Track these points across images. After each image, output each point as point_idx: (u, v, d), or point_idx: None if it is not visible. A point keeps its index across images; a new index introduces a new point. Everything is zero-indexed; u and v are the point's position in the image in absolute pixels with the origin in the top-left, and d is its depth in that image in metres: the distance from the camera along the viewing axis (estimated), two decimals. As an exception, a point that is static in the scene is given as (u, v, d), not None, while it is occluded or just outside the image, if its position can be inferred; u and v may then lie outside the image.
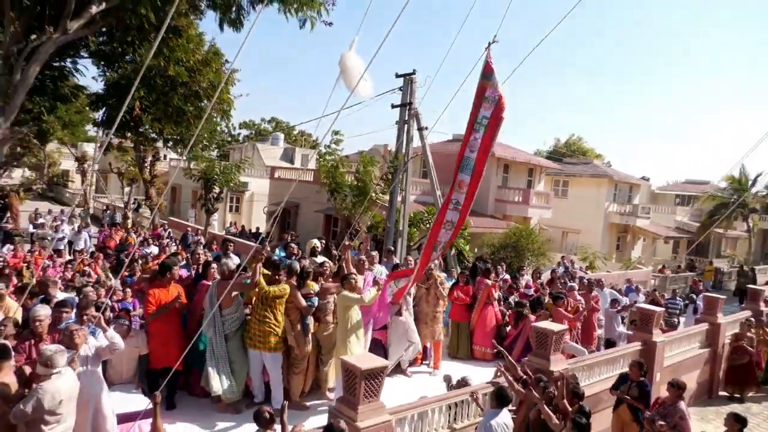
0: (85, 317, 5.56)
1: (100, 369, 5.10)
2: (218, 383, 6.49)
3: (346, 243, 8.41)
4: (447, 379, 7.31)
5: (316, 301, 7.06)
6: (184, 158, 20.81)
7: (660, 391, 8.62)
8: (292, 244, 10.37)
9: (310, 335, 6.98)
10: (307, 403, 7.04)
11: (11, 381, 4.36)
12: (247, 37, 4.53)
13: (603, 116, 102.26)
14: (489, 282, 10.04)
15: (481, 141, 7.17)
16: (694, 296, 14.63)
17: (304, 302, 6.84)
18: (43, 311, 5.35)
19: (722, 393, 10.76)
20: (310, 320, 7.00)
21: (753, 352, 10.45)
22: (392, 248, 12.52)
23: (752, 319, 11.22)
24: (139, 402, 5.51)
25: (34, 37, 10.79)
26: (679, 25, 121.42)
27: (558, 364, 6.87)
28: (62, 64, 14.54)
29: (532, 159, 27.87)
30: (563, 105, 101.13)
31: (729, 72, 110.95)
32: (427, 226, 17.38)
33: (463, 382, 6.67)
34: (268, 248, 8.44)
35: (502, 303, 10.57)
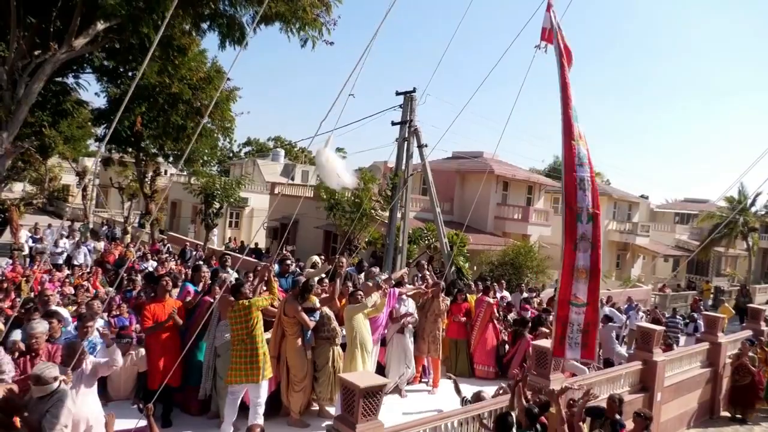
0: (85, 330, 5.53)
1: (95, 387, 5.02)
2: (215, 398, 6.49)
3: (342, 261, 8.41)
4: (455, 381, 7.24)
5: (318, 315, 7.04)
6: (184, 173, 20.88)
7: (661, 411, 8.55)
8: (288, 261, 10.35)
9: (309, 351, 6.93)
10: (309, 422, 6.96)
11: None
12: (239, 52, 4.57)
13: (602, 134, 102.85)
14: (491, 300, 10.01)
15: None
16: (695, 315, 14.58)
17: (307, 318, 6.78)
18: (41, 327, 5.23)
19: (724, 413, 10.66)
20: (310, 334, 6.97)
21: (755, 371, 10.38)
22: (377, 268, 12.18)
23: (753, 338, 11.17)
24: (136, 419, 5.45)
25: (38, 53, 10.91)
26: (682, 44, 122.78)
27: (558, 383, 6.81)
28: (64, 80, 14.69)
29: (532, 176, 27.98)
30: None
31: (730, 91, 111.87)
32: (426, 242, 17.38)
33: (476, 397, 6.56)
34: (276, 266, 8.37)
35: (500, 321, 10.53)
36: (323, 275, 8.82)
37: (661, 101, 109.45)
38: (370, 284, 7.91)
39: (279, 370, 6.86)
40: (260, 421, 6.12)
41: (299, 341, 6.81)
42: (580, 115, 6.75)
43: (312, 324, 6.91)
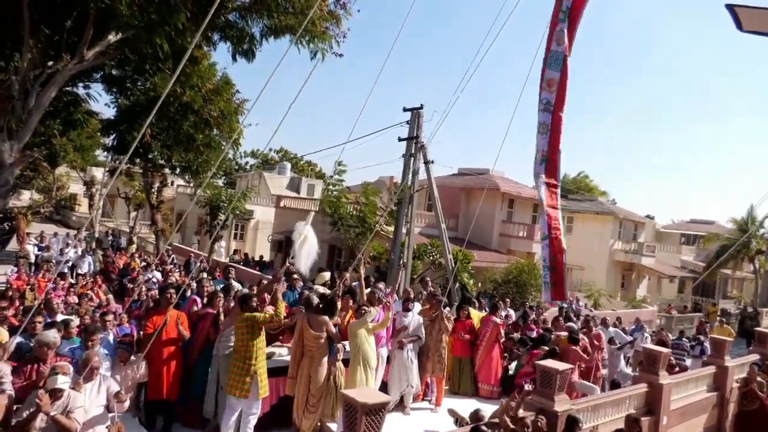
0: (91, 343, 5.54)
1: (104, 403, 4.98)
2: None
3: (347, 276, 8.41)
4: (452, 413, 7.13)
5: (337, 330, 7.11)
6: (192, 186, 20.93)
7: (667, 435, 8.42)
8: (295, 275, 10.33)
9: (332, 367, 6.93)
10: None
11: None
12: (271, 75, 4.61)
13: (608, 154, 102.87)
14: (498, 321, 9.94)
15: (567, 32, 6.80)
16: (701, 337, 14.40)
17: (335, 331, 6.84)
18: (50, 337, 5.21)
19: (731, 439, 10.49)
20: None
21: (764, 397, 10.21)
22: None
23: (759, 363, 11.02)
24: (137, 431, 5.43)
25: (50, 63, 11.04)
26: (688, 66, 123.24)
27: (563, 405, 6.72)
28: (75, 89, 14.83)
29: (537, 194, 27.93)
30: (569, 143, 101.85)
31: (736, 112, 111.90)
32: (431, 258, 17.33)
33: (475, 416, 6.46)
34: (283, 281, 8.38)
35: (506, 340, 10.44)
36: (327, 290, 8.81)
37: (666, 121, 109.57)
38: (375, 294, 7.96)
39: (295, 390, 6.80)
40: None
41: (325, 361, 6.75)
42: (560, 62, 6.98)
43: (339, 338, 6.95)
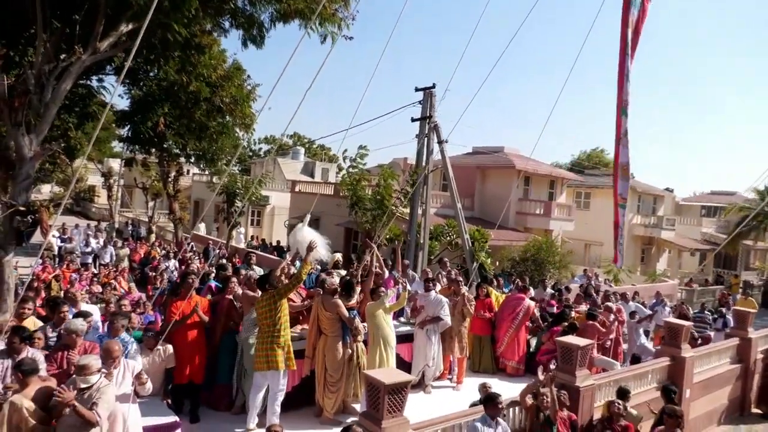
0: (116, 329, 5.71)
1: (130, 383, 5.09)
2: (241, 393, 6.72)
3: (367, 258, 8.48)
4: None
5: (356, 313, 7.14)
6: (207, 174, 21.06)
7: (689, 408, 8.41)
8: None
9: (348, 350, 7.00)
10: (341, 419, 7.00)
11: (29, 404, 4.34)
12: (288, 63, 4.60)
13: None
14: (532, 303, 9.96)
15: None
16: (724, 310, 14.25)
17: (348, 314, 6.91)
18: (78, 325, 5.37)
19: (755, 410, 10.45)
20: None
21: (787, 368, 10.14)
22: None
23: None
24: (165, 416, 5.55)
25: (63, 56, 11.10)
26: (709, 37, 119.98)
27: (584, 380, 6.74)
28: (89, 82, 14.93)
29: (554, 171, 27.64)
30: (586, 115, 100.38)
31: (757, 82, 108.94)
32: (447, 239, 17.29)
33: (484, 389, 6.50)
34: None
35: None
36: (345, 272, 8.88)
37: (687, 92, 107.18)
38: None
39: (315, 370, 6.94)
40: (278, 409, 6.27)
41: (339, 341, 6.85)
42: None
43: (352, 321, 7.00)
